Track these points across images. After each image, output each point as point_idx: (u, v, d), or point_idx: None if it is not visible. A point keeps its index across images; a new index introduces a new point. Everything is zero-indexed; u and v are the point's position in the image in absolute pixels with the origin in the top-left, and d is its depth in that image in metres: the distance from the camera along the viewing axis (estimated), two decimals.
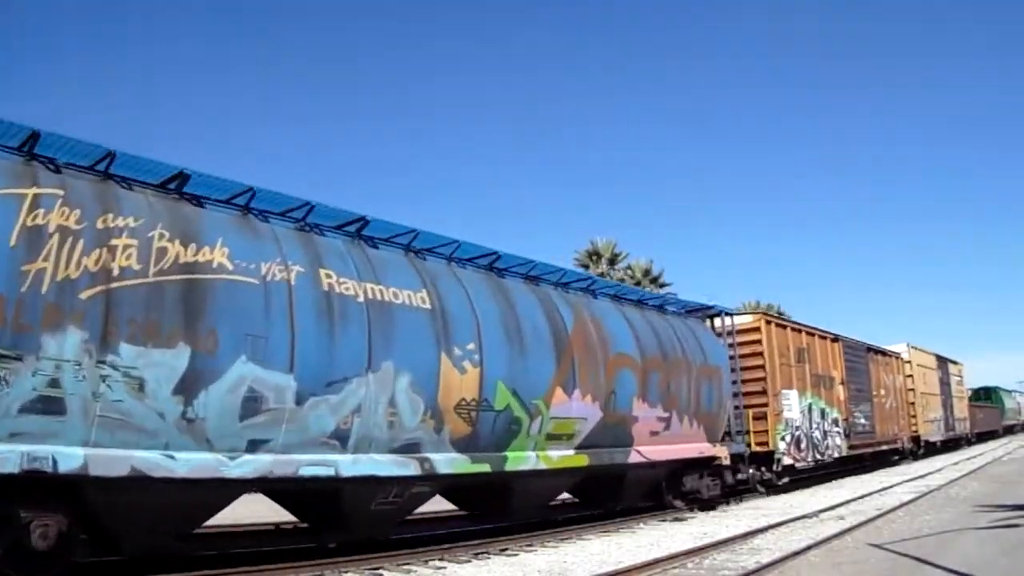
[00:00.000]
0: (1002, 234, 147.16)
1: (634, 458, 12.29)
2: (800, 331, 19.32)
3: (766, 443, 16.42)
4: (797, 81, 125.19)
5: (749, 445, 15.85)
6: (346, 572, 8.18)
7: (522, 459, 10.23)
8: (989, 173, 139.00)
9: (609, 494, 13.07)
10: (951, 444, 35.67)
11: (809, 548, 8.91)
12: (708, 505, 14.19)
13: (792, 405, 17.37)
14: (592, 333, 11.77)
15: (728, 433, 15.31)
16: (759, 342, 17.07)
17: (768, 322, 17.91)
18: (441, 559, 9.02)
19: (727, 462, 14.55)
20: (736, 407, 15.71)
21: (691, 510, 13.99)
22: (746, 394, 16.32)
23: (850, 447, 21.12)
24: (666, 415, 12.95)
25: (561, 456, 10.96)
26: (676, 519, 13.14)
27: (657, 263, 40.26)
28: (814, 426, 18.78)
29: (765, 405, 16.64)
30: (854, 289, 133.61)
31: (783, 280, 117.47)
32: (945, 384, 34.81)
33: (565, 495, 13.58)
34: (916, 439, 28.61)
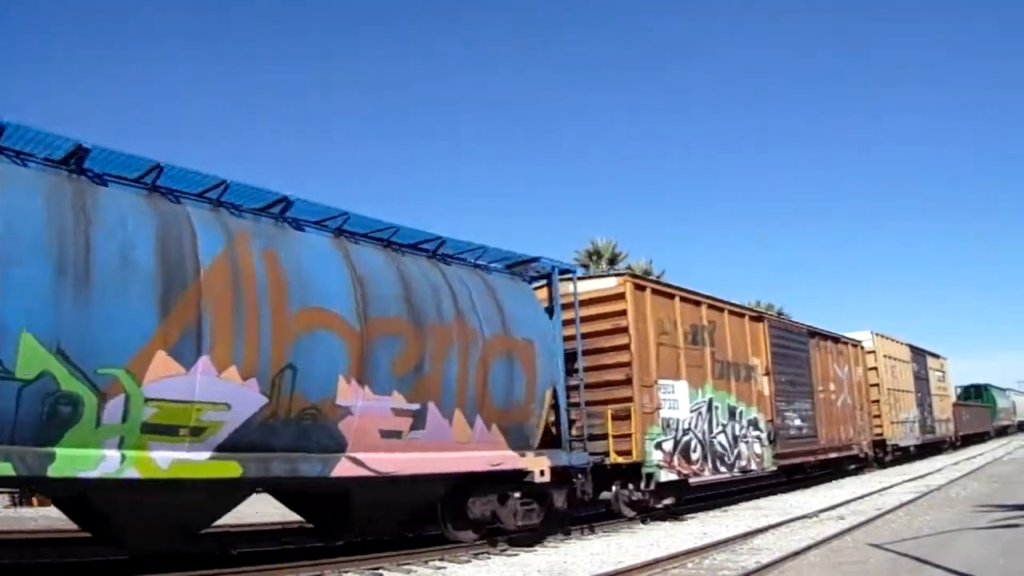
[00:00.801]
0: (1004, 234, 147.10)
1: (347, 470, 8.17)
2: (699, 303, 14.57)
3: (630, 451, 12.01)
4: (796, 81, 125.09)
5: (608, 454, 11.80)
6: (346, 572, 8.19)
7: (89, 461, 6.36)
8: (988, 173, 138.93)
9: (338, 519, 9.31)
10: (930, 448, 31.22)
11: (809, 548, 8.91)
12: (523, 541, 10.23)
13: (678, 400, 13.21)
14: (257, 272, 7.63)
15: (557, 438, 11.09)
16: (623, 313, 12.49)
17: (640, 287, 13.05)
18: (441, 559, 9.04)
19: (545, 478, 10.23)
20: (575, 403, 11.35)
21: (493, 546, 10.03)
22: (605, 385, 12.20)
23: (778, 456, 16.43)
24: (414, 407, 8.80)
25: (179, 461, 6.90)
26: (676, 519, 13.14)
27: (657, 263, 40.38)
28: (716, 429, 14.23)
29: (629, 400, 12.11)
30: (856, 289, 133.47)
31: (783, 280, 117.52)
32: (922, 379, 30.58)
33: None
34: (882, 443, 24.50)
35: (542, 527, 10.60)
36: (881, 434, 24.37)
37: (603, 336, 12.45)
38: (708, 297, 15.01)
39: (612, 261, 38.83)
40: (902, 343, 28.86)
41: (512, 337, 10.15)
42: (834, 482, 20.00)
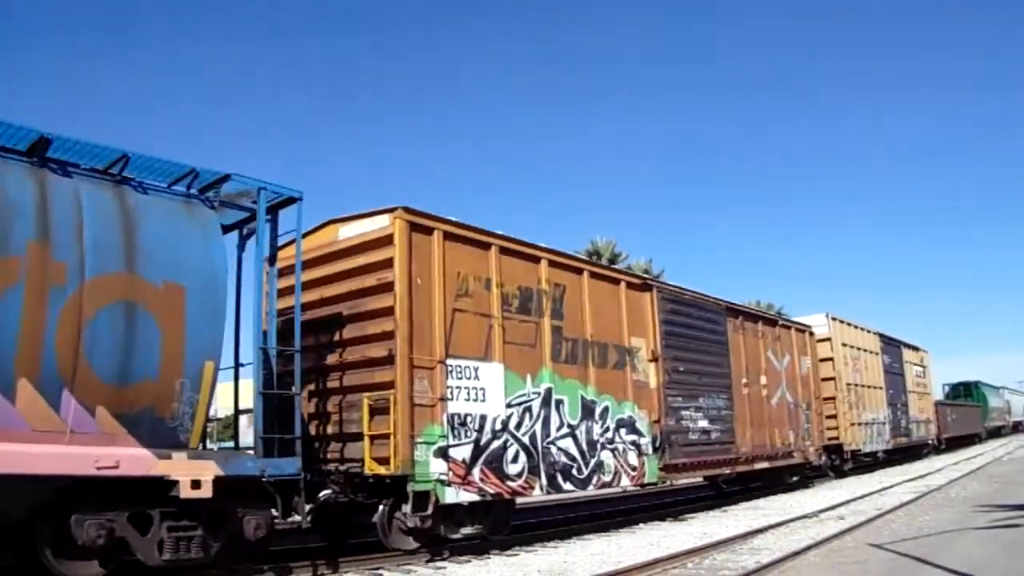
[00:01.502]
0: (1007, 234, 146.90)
1: None
2: (536, 259, 10.76)
3: (388, 459, 8.59)
4: (797, 81, 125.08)
5: (362, 462, 8.74)
6: (346, 572, 8.18)
7: None
8: (990, 174, 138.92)
9: None
10: (906, 453, 27.19)
11: (809, 548, 8.90)
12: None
13: (485, 390, 9.57)
14: None
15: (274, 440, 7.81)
16: (390, 264, 8.99)
17: (424, 229, 9.31)
18: (442, 559, 9.03)
19: (202, 492, 6.99)
20: (290, 380, 8.28)
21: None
22: (366, 364, 9.13)
23: (668, 467, 12.72)
24: None
25: None
26: (676, 519, 13.13)
27: (657, 263, 40.52)
28: (558, 431, 10.59)
29: (391, 385, 8.70)
30: (857, 290, 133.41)
31: (784, 281, 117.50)
32: (895, 374, 26.33)
33: None
34: (838, 449, 20.54)
35: (218, 562, 7.38)
36: (837, 438, 20.48)
37: (368, 296, 9.18)
38: (553, 252, 11.15)
39: (612, 261, 38.79)
40: (869, 331, 24.45)
41: (142, 279, 7.01)
42: (834, 482, 19.96)
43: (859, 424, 21.89)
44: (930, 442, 31.01)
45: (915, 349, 30.46)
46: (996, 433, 52.42)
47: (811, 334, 19.59)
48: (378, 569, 8.45)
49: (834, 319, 21.88)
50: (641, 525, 12.35)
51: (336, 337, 9.43)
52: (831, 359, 21.07)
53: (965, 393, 49.54)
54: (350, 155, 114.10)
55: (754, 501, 15.89)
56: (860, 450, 21.82)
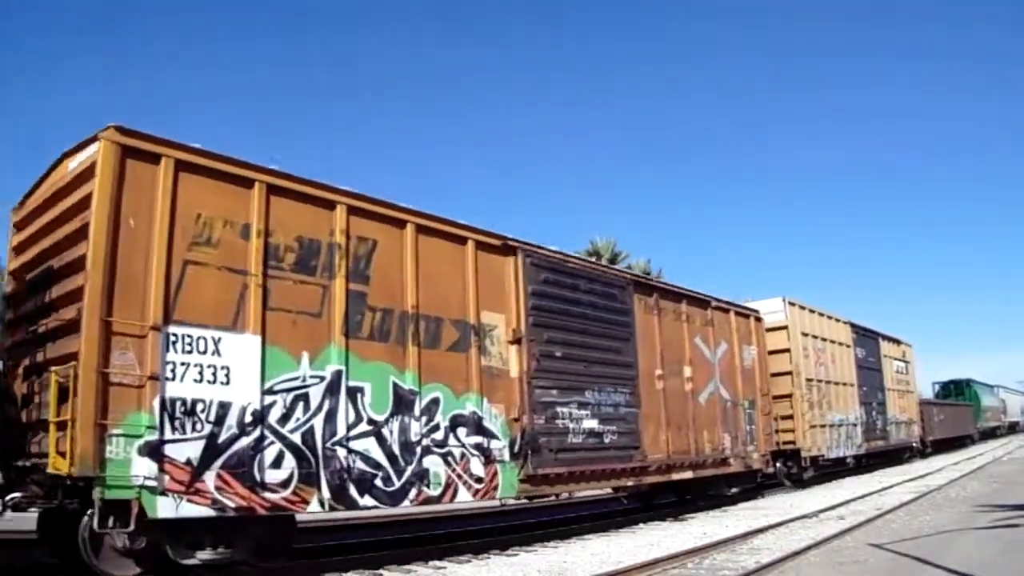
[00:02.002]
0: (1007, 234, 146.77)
1: None
2: (331, 203, 8.41)
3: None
4: (797, 82, 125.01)
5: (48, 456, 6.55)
6: (346, 572, 8.19)
7: None
8: (991, 177, 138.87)
9: None
10: (883, 458, 24.72)
11: (809, 548, 8.90)
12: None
13: (229, 369, 7.21)
14: None
15: None
16: (88, 204, 6.81)
17: (144, 156, 7.05)
18: (441, 559, 9.03)
19: None
20: None
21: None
22: (57, 333, 7.16)
23: (533, 478, 10.03)
24: None
25: None
26: (676, 519, 13.14)
27: (656, 263, 40.49)
28: (353, 428, 8.15)
29: (72, 358, 6.54)
30: (858, 291, 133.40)
31: (785, 281, 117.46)
32: (871, 370, 23.61)
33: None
34: (795, 455, 17.93)
35: None
36: (793, 442, 17.80)
37: (72, 245, 7.15)
38: (360, 197, 8.66)
39: (612, 261, 38.75)
40: (838, 320, 21.86)
41: None
42: (834, 482, 19.94)
43: (823, 426, 19.14)
44: (914, 445, 28.09)
45: (896, 342, 27.44)
46: (990, 434, 49.62)
47: (758, 320, 16.58)
48: (378, 569, 8.45)
49: (792, 304, 18.78)
50: (641, 525, 12.35)
51: (46, 299, 7.48)
52: (787, 350, 18.22)
53: (956, 392, 46.41)
54: (349, 154, 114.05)
55: (754, 501, 15.87)
56: (823, 456, 18.98)
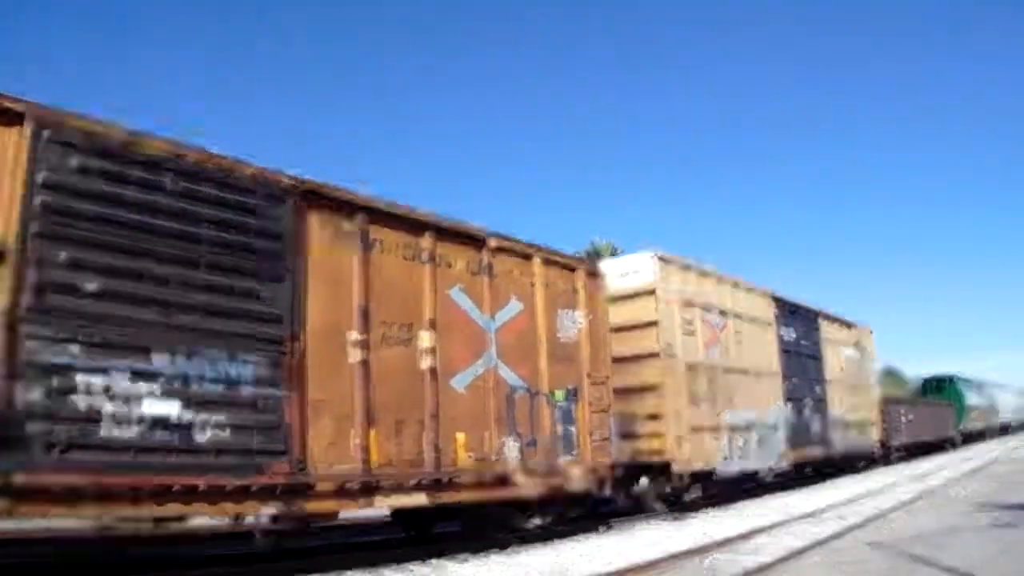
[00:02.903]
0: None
1: None
2: None
3: None
4: (797, 82, 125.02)
5: None
6: (346, 571, 8.19)
7: None
8: (992, 177, 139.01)
9: None
10: (822, 470, 20.07)
11: (809, 548, 8.91)
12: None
13: None
14: None
15: None
16: None
17: None
18: (441, 558, 9.03)
19: None
20: None
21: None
22: None
23: None
24: None
25: None
26: (676, 519, 13.13)
27: None
28: None
29: None
30: (859, 291, 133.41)
31: (786, 281, 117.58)
32: (805, 356, 18.78)
33: None
34: (663, 470, 12.95)
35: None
36: (661, 451, 12.84)
37: None
38: None
39: None
40: (751, 289, 16.66)
41: None
42: (833, 482, 19.92)
43: (715, 429, 14.00)
44: (873, 452, 23.48)
45: (845, 324, 22.29)
46: (976, 437, 43.65)
47: (592, 275, 11.66)
48: (378, 569, 8.45)
49: (665, 261, 13.69)
50: (641, 525, 12.33)
51: None
52: (654, 323, 13.21)
53: (937, 389, 42.12)
54: (346, 153, 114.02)
55: (755, 500, 15.86)
56: (713, 471, 13.92)
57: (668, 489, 13.14)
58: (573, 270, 11.42)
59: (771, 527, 10.98)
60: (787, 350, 17.86)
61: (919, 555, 8.06)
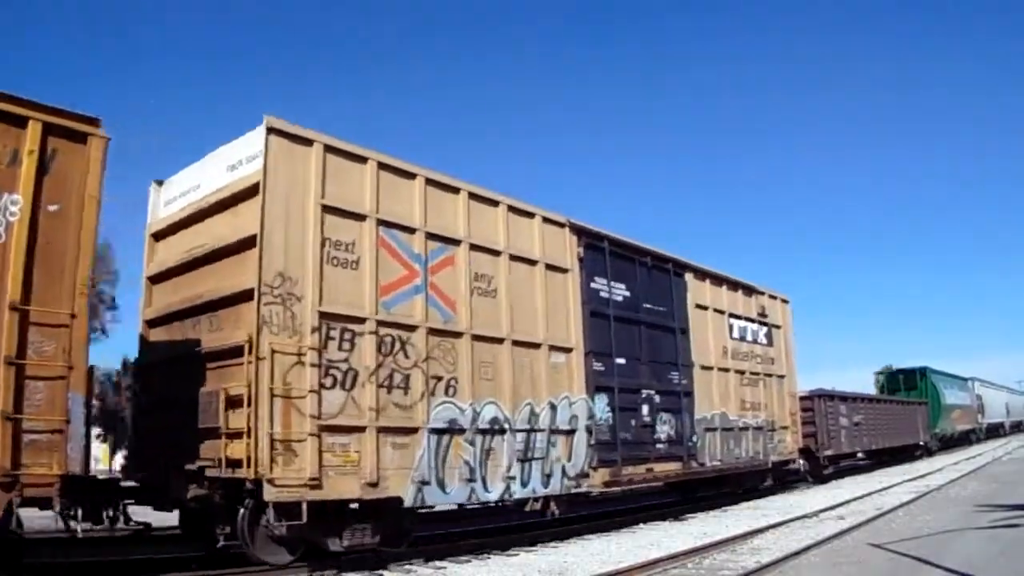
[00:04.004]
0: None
1: None
2: None
3: None
4: (798, 81, 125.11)
5: None
6: (346, 572, 8.19)
7: None
8: (993, 179, 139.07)
9: None
10: (687, 495, 15.26)
11: (809, 548, 8.92)
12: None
13: None
14: None
15: None
16: None
17: None
18: (441, 559, 9.04)
19: None
20: None
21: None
22: None
23: None
24: None
25: None
26: (676, 519, 13.15)
27: None
28: None
29: None
30: (859, 292, 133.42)
31: (786, 281, 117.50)
32: (648, 327, 12.85)
33: None
34: (249, 496, 7.48)
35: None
36: (241, 462, 7.27)
37: None
38: None
39: None
40: (525, 212, 10.98)
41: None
42: (833, 482, 19.90)
43: (396, 431, 8.53)
44: (797, 465, 19.01)
45: (744, 290, 16.36)
46: (961, 441, 37.56)
47: (64, 135, 6.41)
48: (379, 569, 8.46)
49: (287, 137, 8.10)
50: (641, 525, 12.35)
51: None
52: (254, 241, 7.79)
53: (907, 385, 35.24)
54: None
55: (754, 501, 15.86)
56: (399, 500, 8.46)
57: (270, 529, 7.71)
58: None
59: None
60: (601, 314, 11.77)
61: None
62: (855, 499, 14.94)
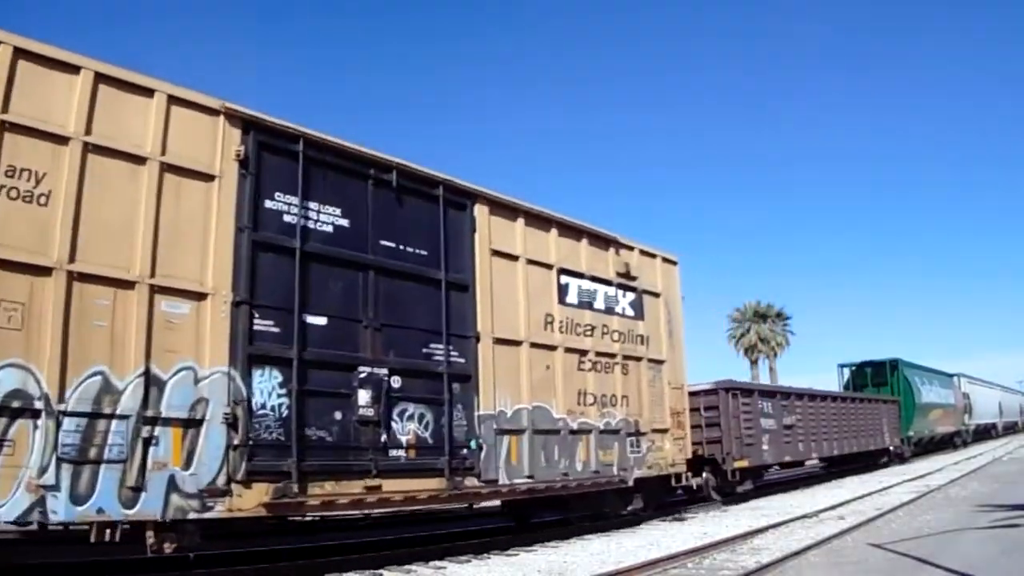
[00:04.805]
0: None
1: None
2: None
3: None
4: (799, 80, 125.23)
5: None
6: (346, 572, 8.19)
7: None
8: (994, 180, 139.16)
9: None
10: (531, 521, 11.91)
11: (809, 548, 8.91)
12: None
13: None
14: None
15: None
16: None
17: None
18: (441, 559, 9.04)
19: None
20: None
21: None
22: None
23: None
24: None
25: None
26: (676, 519, 13.14)
27: None
28: None
29: None
30: (859, 292, 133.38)
31: (786, 281, 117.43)
32: (385, 275, 8.77)
33: None
34: None
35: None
36: None
37: None
38: None
39: None
40: (119, 79, 6.98)
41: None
42: (834, 482, 19.90)
43: None
44: (691, 480, 13.78)
45: (597, 240, 12.16)
46: (944, 445, 33.70)
47: None
48: (378, 569, 8.46)
49: None
50: (641, 525, 12.34)
51: None
52: None
53: (876, 380, 30.05)
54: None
55: (754, 501, 15.86)
56: None
57: None
58: None
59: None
60: (281, 248, 8.02)
61: None
62: (855, 499, 14.94)
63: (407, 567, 8.60)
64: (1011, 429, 52.91)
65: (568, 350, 11.15)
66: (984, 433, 43.06)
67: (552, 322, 11.03)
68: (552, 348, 10.93)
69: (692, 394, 14.37)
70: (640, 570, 8.00)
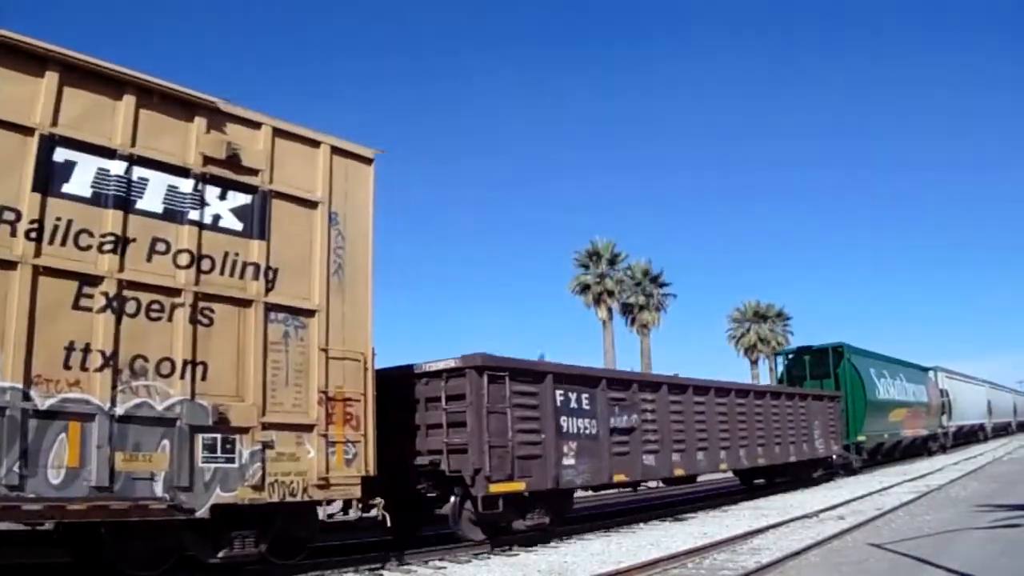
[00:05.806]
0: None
1: None
2: None
3: None
4: (798, 80, 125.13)
5: None
6: (346, 572, 8.19)
7: None
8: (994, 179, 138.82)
9: None
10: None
11: (809, 548, 8.92)
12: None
13: None
14: None
15: None
16: None
17: None
18: (441, 559, 9.04)
19: None
20: None
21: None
22: None
23: None
24: None
25: None
26: (676, 519, 13.14)
27: (657, 263, 40.57)
28: None
29: None
30: (858, 293, 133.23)
31: (785, 281, 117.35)
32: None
33: None
34: None
35: None
36: None
37: None
38: None
39: (612, 262, 39.00)
40: None
41: None
42: (834, 482, 19.90)
43: None
44: (359, 512, 9.02)
45: (167, 99, 7.58)
46: (912, 451, 28.06)
47: None
48: (378, 569, 8.47)
49: None
50: (641, 525, 12.34)
51: None
52: None
53: (817, 372, 23.69)
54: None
55: (754, 501, 15.85)
56: None
57: None
58: None
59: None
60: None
61: None
62: (855, 499, 14.93)
63: (407, 567, 8.60)
64: (1003, 431, 45.96)
65: (49, 271, 6.67)
66: (969, 436, 36.81)
67: (16, 221, 6.57)
68: (9, 265, 6.46)
69: (429, 375, 10.00)
70: (640, 570, 8.01)
